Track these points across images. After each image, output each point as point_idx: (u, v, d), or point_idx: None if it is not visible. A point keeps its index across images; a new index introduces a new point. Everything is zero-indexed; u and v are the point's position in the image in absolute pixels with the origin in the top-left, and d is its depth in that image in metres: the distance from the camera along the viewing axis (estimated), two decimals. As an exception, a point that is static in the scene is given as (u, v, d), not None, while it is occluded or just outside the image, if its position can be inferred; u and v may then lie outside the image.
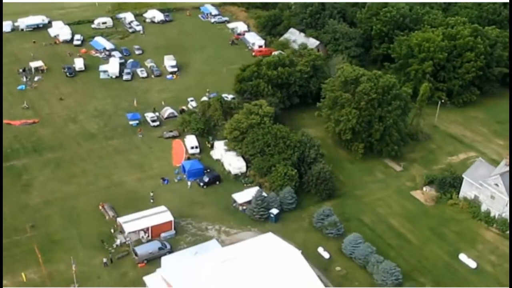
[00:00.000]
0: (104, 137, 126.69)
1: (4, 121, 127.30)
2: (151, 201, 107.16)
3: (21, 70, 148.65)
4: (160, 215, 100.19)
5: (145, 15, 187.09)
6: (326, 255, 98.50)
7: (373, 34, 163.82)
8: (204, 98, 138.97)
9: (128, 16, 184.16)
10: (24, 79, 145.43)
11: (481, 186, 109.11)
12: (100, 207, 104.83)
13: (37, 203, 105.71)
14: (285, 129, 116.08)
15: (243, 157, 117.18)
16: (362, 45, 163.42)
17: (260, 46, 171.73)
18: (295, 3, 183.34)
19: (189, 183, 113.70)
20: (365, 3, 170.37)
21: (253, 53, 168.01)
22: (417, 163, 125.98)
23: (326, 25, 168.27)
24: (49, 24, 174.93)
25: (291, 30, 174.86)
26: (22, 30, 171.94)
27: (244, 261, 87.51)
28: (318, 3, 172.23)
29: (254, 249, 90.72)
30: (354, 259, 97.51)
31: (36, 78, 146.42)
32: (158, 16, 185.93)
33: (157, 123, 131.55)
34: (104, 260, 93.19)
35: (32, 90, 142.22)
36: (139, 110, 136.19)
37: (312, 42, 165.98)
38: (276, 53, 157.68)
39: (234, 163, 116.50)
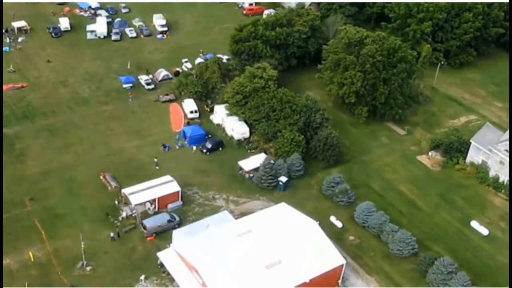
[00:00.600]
0: (97, 102, 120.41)
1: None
2: (156, 167, 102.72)
3: (3, 31, 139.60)
4: (167, 185, 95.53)
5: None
6: (339, 224, 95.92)
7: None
8: (199, 59, 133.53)
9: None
10: (8, 40, 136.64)
11: (490, 151, 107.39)
12: (101, 178, 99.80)
13: (33, 173, 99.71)
14: (290, 93, 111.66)
15: (246, 122, 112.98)
16: (355, 4, 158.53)
17: (251, 4, 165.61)
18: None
19: (194, 148, 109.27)
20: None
21: (244, 12, 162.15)
22: (420, 127, 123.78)
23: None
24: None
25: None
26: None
27: (260, 234, 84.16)
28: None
29: (269, 221, 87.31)
30: (368, 228, 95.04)
31: (20, 39, 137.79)
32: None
33: (152, 86, 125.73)
34: (111, 234, 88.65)
35: (17, 52, 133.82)
36: (131, 72, 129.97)
37: (304, 0, 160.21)
38: (268, 11, 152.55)
39: (237, 128, 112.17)
